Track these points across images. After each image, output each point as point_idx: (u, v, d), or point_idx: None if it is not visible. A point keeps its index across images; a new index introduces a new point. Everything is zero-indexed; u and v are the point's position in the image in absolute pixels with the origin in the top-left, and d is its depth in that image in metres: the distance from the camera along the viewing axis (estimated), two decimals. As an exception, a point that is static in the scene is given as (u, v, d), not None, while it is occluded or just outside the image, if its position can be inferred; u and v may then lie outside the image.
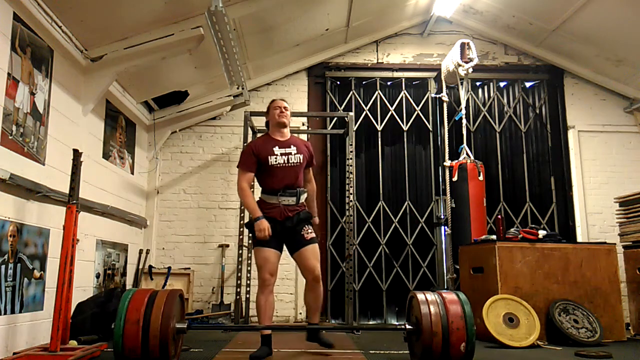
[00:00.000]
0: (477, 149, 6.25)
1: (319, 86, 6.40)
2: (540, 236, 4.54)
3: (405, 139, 6.29)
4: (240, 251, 5.18)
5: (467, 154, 5.60)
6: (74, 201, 3.22)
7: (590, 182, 6.28)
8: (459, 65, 5.57)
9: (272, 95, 6.30)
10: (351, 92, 6.34)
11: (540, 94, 6.54)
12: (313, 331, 3.55)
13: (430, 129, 6.34)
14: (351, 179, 5.52)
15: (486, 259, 4.45)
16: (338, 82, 6.48)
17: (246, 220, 5.32)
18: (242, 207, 5.20)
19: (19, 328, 3.29)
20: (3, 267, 3.09)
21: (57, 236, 3.51)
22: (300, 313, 5.82)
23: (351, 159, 5.57)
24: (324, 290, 5.85)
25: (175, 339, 2.91)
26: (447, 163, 5.69)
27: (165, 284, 5.62)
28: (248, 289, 5.32)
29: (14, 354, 3.07)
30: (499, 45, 6.55)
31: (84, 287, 4.25)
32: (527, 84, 6.58)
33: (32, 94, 3.46)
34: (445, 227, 5.81)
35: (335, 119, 6.24)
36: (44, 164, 3.59)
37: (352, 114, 5.63)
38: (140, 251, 5.68)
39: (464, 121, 5.85)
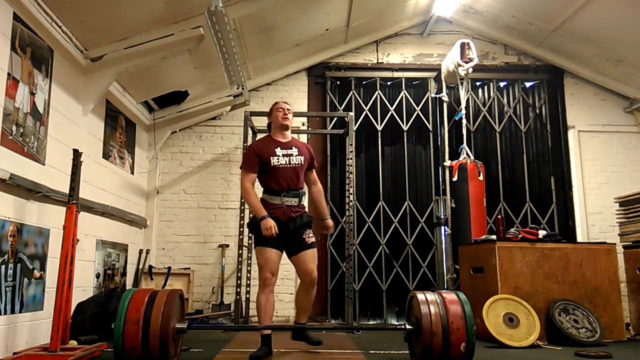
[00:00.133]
0: (477, 149, 6.25)
1: (319, 86, 6.40)
2: (540, 236, 4.54)
3: (405, 139, 6.29)
4: (240, 251, 5.18)
5: (467, 154, 5.60)
6: (74, 201, 3.22)
7: (590, 182, 6.28)
8: (459, 65, 5.57)
9: (272, 95, 6.31)
10: (351, 92, 6.34)
11: (540, 94, 6.54)
12: (299, 329, 3.57)
13: (430, 129, 6.34)
14: (351, 179, 5.52)
15: (486, 259, 4.45)
16: (338, 82, 6.48)
17: (245, 219, 5.33)
18: (242, 207, 5.20)
19: (19, 328, 3.29)
20: (3, 267, 3.09)
21: (57, 236, 3.51)
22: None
23: (351, 159, 5.57)
24: (324, 290, 5.94)
25: (175, 339, 2.91)
26: (447, 163, 5.69)
27: (165, 284, 5.62)
28: (248, 289, 5.32)
29: (14, 354, 3.07)
30: (499, 45, 6.55)
31: (84, 287, 4.26)
32: (527, 84, 6.59)
33: (32, 94, 3.46)
34: (445, 227, 5.81)
35: (335, 119, 6.24)
36: (44, 164, 3.59)
37: (352, 114, 5.63)
38: (140, 251, 5.68)
39: (464, 121, 5.85)
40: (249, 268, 5.46)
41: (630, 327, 4.94)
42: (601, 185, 6.26)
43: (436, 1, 5.89)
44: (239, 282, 5.16)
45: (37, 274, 3.48)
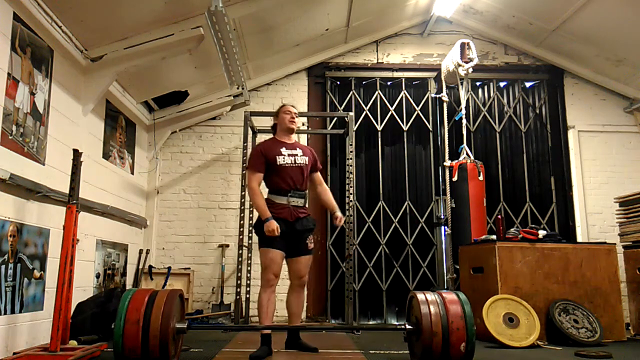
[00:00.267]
0: (477, 149, 6.25)
1: (319, 86, 6.40)
2: (540, 236, 4.54)
3: (405, 139, 6.29)
4: (240, 251, 5.18)
5: (467, 154, 5.60)
6: (74, 201, 3.22)
7: (590, 182, 6.28)
8: (459, 65, 5.57)
9: (272, 95, 6.31)
10: (351, 92, 6.34)
11: (540, 94, 6.54)
12: (292, 338, 3.57)
13: (430, 129, 6.34)
14: (351, 179, 5.52)
15: (486, 259, 4.45)
16: (338, 82, 6.48)
17: (245, 219, 5.33)
18: (242, 207, 5.19)
19: (19, 328, 3.29)
20: (3, 267, 3.09)
21: (57, 236, 3.51)
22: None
23: (351, 159, 5.57)
24: (324, 290, 5.94)
25: (175, 339, 2.91)
26: (447, 163, 5.69)
27: (165, 284, 5.62)
28: (248, 289, 5.32)
29: (14, 354, 3.07)
30: (499, 45, 6.55)
31: (84, 287, 4.26)
32: (527, 84, 6.59)
33: (32, 94, 3.46)
34: (445, 227, 5.81)
35: (335, 119, 6.24)
36: (44, 164, 3.59)
37: (352, 114, 5.63)
38: (140, 251, 5.68)
39: (464, 121, 5.85)
40: (249, 268, 5.46)
41: (630, 327, 4.94)
42: (601, 185, 6.26)
43: (436, 1, 5.89)
44: (239, 282, 5.16)
45: (37, 274, 3.48)
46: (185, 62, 4.96)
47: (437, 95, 6.24)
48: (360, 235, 6.04)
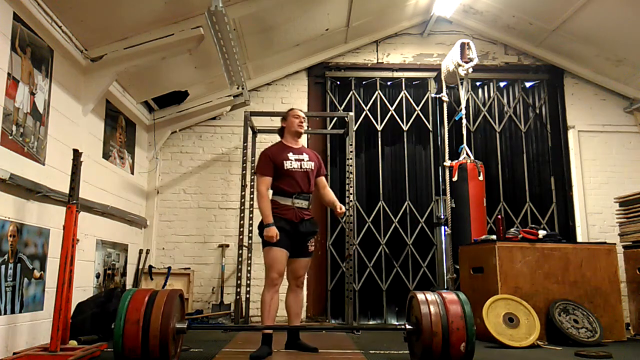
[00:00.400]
0: (477, 149, 6.25)
1: (319, 86, 6.40)
2: (540, 236, 4.54)
3: (405, 139, 6.29)
4: (240, 251, 5.17)
5: (467, 154, 5.60)
6: (74, 201, 3.22)
7: (590, 182, 6.28)
8: (459, 65, 5.57)
9: (272, 95, 6.32)
10: (351, 92, 6.34)
11: (540, 94, 6.54)
12: (292, 338, 3.59)
13: (430, 129, 6.34)
14: (351, 179, 5.52)
15: (486, 259, 4.45)
16: (338, 82, 6.48)
17: (245, 219, 5.33)
18: (242, 207, 5.19)
19: (19, 328, 3.29)
20: (3, 267, 3.09)
21: (57, 236, 3.51)
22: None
23: (351, 159, 5.57)
24: (324, 290, 5.94)
25: (175, 339, 2.91)
26: (447, 163, 5.69)
27: (165, 284, 5.62)
28: (248, 289, 5.32)
29: (14, 354, 3.07)
30: (499, 45, 6.55)
31: (84, 287, 4.25)
32: (527, 84, 6.59)
33: (32, 94, 3.46)
34: (445, 227, 5.81)
35: (335, 119, 6.24)
36: (44, 164, 3.59)
37: (352, 114, 5.63)
38: (140, 251, 5.68)
39: (464, 121, 5.85)
40: (249, 268, 5.46)
41: (630, 327, 4.94)
42: (601, 185, 6.26)
43: (436, 1, 5.89)
44: (239, 282, 5.16)
45: (37, 274, 3.48)
46: (185, 62, 4.96)
47: (437, 95, 6.24)
48: (360, 235, 6.04)
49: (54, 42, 3.72)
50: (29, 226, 3.37)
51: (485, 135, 6.41)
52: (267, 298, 3.41)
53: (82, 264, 4.14)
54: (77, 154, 3.32)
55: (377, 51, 6.51)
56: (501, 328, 4.02)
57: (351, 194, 5.52)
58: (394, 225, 6.08)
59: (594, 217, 6.20)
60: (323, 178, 3.81)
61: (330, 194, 3.82)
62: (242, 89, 5.73)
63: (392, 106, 6.35)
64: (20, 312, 3.29)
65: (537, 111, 6.48)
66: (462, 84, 6.01)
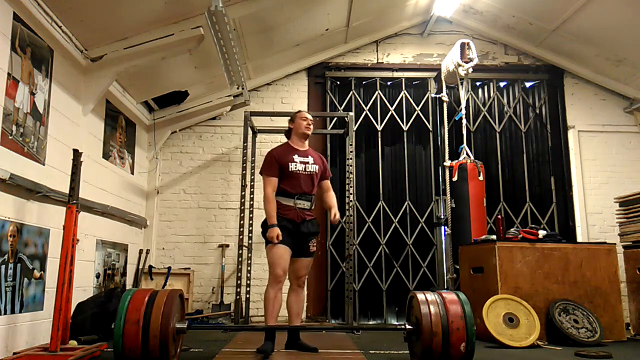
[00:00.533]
0: (477, 149, 6.25)
1: (319, 86, 6.40)
2: (540, 236, 4.54)
3: (405, 139, 6.29)
4: (240, 251, 5.17)
5: (467, 154, 5.60)
6: (74, 201, 3.22)
7: (590, 182, 6.28)
8: (459, 65, 5.57)
9: (272, 95, 6.32)
10: (351, 92, 6.34)
11: (540, 94, 6.54)
12: (292, 338, 3.60)
13: (430, 129, 6.34)
14: (351, 179, 5.52)
15: (486, 259, 4.45)
16: (338, 82, 6.48)
17: (245, 219, 5.33)
18: (242, 207, 5.19)
19: (19, 328, 3.29)
20: (3, 267, 3.09)
21: (57, 236, 3.51)
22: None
23: (351, 159, 5.57)
24: (324, 290, 5.94)
25: (175, 339, 2.91)
26: (447, 163, 5.69)
27: (165, 284, 5.62)
28: (248, 289, 5.32)
29: (14, 354, 3.07)
30: (499, 45, 6.55)
31: (84, 287, 4.26)
32: (527, 84, 6.59)
33: (32, 94, 3.46)
34: (445, 227, 5.81)
35: (335, 119, 6.24)
36: (44, 164, 3.59)
37: (352, 114, 5.63)
38: (140, 251, 5.68)
39: (464, 121, 5.85)
40: (249, 268, 5.47)
41: (630, 327, 4.94)
42: (601, 185, 6.26)
43: (436, 1, 5.89)
44: (239, 282, 5.16)
45: (37, 274, 3.48)
46: (185, 62, 4.96)
47: (437, 95, 6.24)
48: (360, 235, 6.04)
49: (54, 42, 3.72)
50: (29, 226, 3.37)
51: (485, 135, 6.41)
52: (270, 295, 3.43)
53: (82, 264, 4.14)
54: (77, 154, 3.33)
55: (377, 51, 6.51)
56: (501, 328, 4.02)
57: (351, 194, 5.52)
58: (394, 225, 6.07)
59: (594, 217, 6.20)
60: (327, 181, 3.83)
61: (332, 199, 3.83)
62: (242, 89, 5.73)
63: (392, 106, 6.35)
64: (20, 312, 3.29)
65: (537, 111, 6.48)
66: (462, 84, 6.01)
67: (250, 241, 5.50)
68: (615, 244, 4.66)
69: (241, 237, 5.17)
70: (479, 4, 6.00)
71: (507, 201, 6.20)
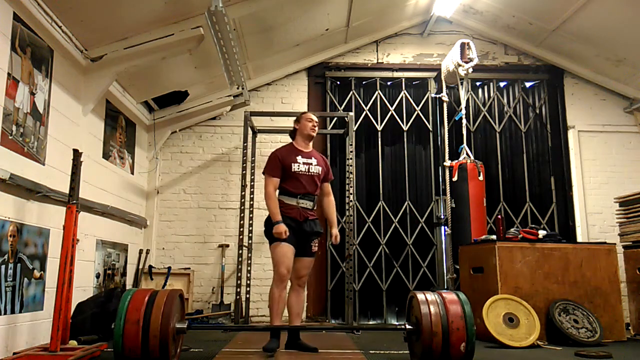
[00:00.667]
0: (477, 149, 6.25)
1: (319, 86, 6.40)
2: (540, 236, 4.54)
3: (405, 139, 6.29)
4: (240, 251, 5.17)
5: (467, 154, 5.60)
6: (74, 201, 3.22)
7: (590, 182, 6.28)
8: (459, 65, 5.57)
9: (272, 95, 6.31)
10: (351, 92, 6.34)
11: (540, 94, 6.54)
12: (292, 338, 3.61)
13: (430, 129, 6.34)
14: (351, 179, 5.52)
15: (486, 259, 4.45)
16: (338, 82, 6.48)
17: (245, 219, 5.33)
18: (242, 207, 5.19)
19: (19, 328, 3.29)
20: (3, 267, 3.09)
21: (57, 236, 3.51)
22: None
23: (351, 159, 5.58)
24: (324, 290, 5.94)
25: (175, 339, 2.91)
26: (447, 163, 5.69)
27: (165, 284, 5.62)
28: (248, 289, 5.32)
29: (14, 354, 3.07)
30: (499, 45, 6.55)
31: (84, 287, 4.25)
32: (527, 84, 6.59)
33: (32, 94, 3.46)
34: (445, 227, 5.81)
35: (335, 119, 6.24)
36: (44, 164, 3.59)
37: (352, 114, 5.63)
38: (140, 251, 5.68)
39: (464, 121, 5.85)
40: (249, 268, 5.47)
41: (630, 327, 4.94)
42: (601, 185, 6.26)
43: (436, 1, 5.89)
44: (239, 282, 5.16)
45: (37, 274, 3.48)
46: (185, 62, 4.96)
47: (437, 95, 6.24)
48: (360, 235, 6.04)
49: (54, 42, 3.72)
50: (29, 226, 3.37)
51: (485, 135, 6.41)
52: (275, 294, 3.46)
53: (82, 264, 4.14)
54: (77, 154, 3.32)
55: (377, 51, 6.51)
56: (501, 328, 4.02)
57: (351, 194, 5.52)
58: (394, 225, 6.07)
59: (594, 217, 6.20)
60: (328, 184, 3.84)
61: (332, 208, 3.85)
62: (242, 89, 5.73)
63: (392, 106, 6.35)
64: (20, 312, 3.29)
65: (537, 111, 6.48)
66: (462, 84, 6.01)
67: (250, 241, 5.50)
68: (615, 244, 4.66)
69: (241, 237, 5.17)
70: (479, 4, 6.00)
71: (507, 201, 6.20)
